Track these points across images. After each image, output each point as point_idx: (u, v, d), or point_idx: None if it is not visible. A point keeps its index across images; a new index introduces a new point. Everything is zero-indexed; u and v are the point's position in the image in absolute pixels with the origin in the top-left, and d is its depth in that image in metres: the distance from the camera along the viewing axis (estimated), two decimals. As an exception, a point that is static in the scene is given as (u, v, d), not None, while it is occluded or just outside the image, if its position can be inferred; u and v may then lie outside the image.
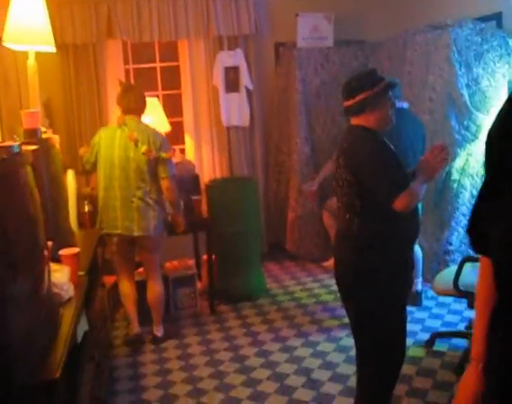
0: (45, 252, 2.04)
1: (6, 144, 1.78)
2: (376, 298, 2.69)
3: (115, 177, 3.96)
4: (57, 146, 2.99)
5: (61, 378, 1.68)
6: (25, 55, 3.07)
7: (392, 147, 2.72)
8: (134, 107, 4.03)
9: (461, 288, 3.48)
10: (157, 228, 4.03)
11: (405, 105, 4.30)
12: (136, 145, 3.91)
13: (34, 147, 2.13)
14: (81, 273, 2.62)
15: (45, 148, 2.64)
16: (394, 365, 2.84)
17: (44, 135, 2.89)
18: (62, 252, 2.51)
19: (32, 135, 2.72)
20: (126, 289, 4.23)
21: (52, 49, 3.10)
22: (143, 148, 3.91)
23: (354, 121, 2.80)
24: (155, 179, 4.01)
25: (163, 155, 3.96)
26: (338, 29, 6.08)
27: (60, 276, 2.31)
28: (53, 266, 2.29)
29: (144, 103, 4.12)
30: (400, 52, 5.43)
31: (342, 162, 2.71)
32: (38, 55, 3.06)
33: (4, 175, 1.70)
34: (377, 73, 2.81)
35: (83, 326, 2.43)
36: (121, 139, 3.96)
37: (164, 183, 4.02)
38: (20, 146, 1.80)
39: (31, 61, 2.98)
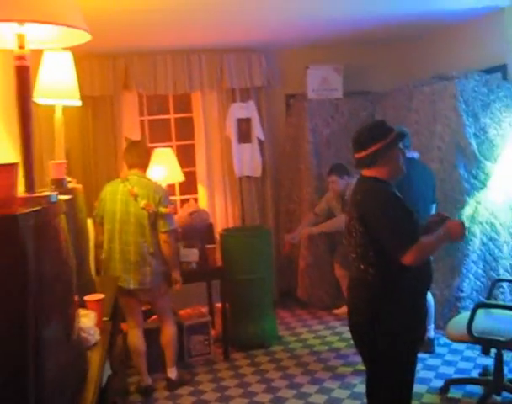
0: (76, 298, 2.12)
1: (44, 194, 1.88)
2: (390, 344, 2.75)
3: (117, 230, 4.09)
4: (82, 195, 3.10)
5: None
6: (45, 107, 3.22)
7: (402, 199, 2.81)
8: (137, 162, 4.17)
9: (475, 334, 3.52)
10: (153, 282, 4.11)
11: (415, 155, 4.42)
12: (136, 199, 4.04)
13: (68, 197, 2.24)
14: (105, 318, 2.70)
15: (72, 198, 2.75)
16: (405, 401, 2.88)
17: (69, 185, 3.00)
18: (88, 297, 2.59)
19: (59, 184, 2.84)
20: (134, 339, 4.26)
21: (78, 102, 3.25)
22: (142, 203, 4.03)
23: (366, 172, 2.88)
24: (155, 234, 4.10)
25: (162, 210, 4.05)
26: (347, 80, 6.27)
27: (87, 321, 2.38)
28: (80, 311, 2.37)
29: (148, 158, 4.29)
30: (406, 102, 5.58)
31: (355, 213, 2.79)
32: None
33: (43, 223, 1.79)
34: (386, 124, 2.91)
35: (107, 371, 2.50)
36: (123, 194, 4.10)
37: (162, 237, 4.09)
38: (57, 195, 1.91)
39: (58, 115, 3.12)
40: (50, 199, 1.87)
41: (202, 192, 6.16)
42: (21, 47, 1.86)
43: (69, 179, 3.06)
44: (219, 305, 5.12)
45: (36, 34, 1.97)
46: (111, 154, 5.77)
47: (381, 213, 2.71)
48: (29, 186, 1.92)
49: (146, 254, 4.07)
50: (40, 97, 2.99)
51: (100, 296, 2.62)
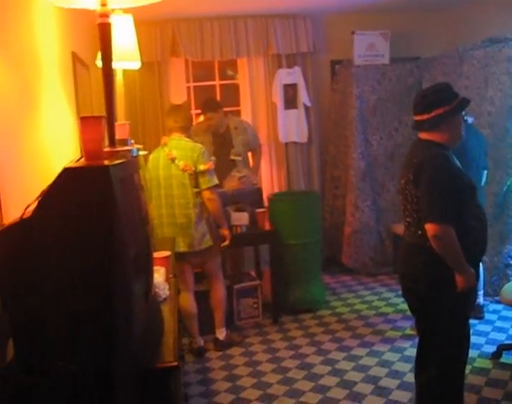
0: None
1: (127, 148, 1.93)
2: (448, 307, 2.76)
3: (162, 195, 4.16)
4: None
5: (178, 365, 1.80)
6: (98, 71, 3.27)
7: (460, 170, 2.77)
8: (178, 126, 4.20)
9: (532, 298, 3.51)
10: (202, 243, 4.17)
11: (470, 120, 4.36)
12: (174, 162, 4.09)
13: (145, 152, 2.28)
14: (170, 275, 2.77)
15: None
16: (459, 369, 2.90)
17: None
18: (156, 254, 2.66)
19: (124, 144, 2.88)
20: (186, 302, 4.34)
21: (138, 65, 3.29)
22: (181, 164, 4.07)
23: (424, 136, 2.85)
24: (198, 194, 4.14)
25: (201, 167, 4.08)
26: (394, 45, 6.18)
27: (157, 276, 2.45)
28: (151, 267, 2.44)
29: (187, 121, 4.27)
30: (456, 67, 5.49)
31: (411, 176, 2.77)
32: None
33: (127, 176, 1.84)
34: (452, 88, 2.87)
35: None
36: (164, 159, 4.15)
37: (205, 195, 4.13)
38: (138, 150, 1.95)
39: (119, 78, 3.17)
40: (133, 153, 1.91)
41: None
42: (103, 5, 1.89)
43: (132, 140, 3.11)
44: (268, 268, 5.17)
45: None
46: (158, 120, 5.81)
47: (432, 178, 2.68)
48: (112, 141, 1.96)
49: (191, 216, 4.12)
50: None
51: (168, 253, 2.69)
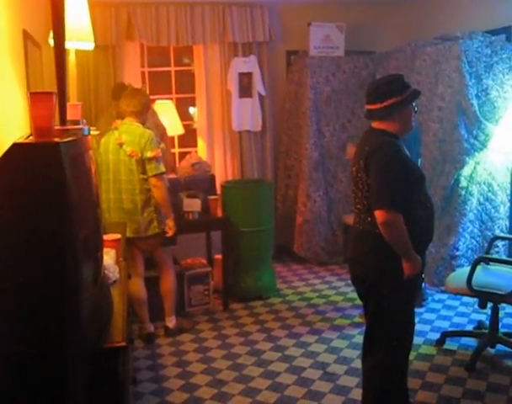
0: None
1: (78, 126, 1.90)
2: (395, 293, 2.84)
3: (111, 180, 4.12)
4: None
5: (127, 345, 1.79)
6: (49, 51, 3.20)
7: (408, 159, 2.84)
8: (128, 110, 4.13)
9: (475, 288, 3.63)
10: (149, 229, 4.15)
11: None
12: (121, 147, 4.05)
13: (96, 132, 2.25)
14: (120, 258, 2.75)
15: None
16: (404, 355, 2.99)
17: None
18: (107, 237, 2.63)
19: (75, 125, 2.84)
20: (136, 288, 4.30)
21: (91, 46, 3.23)
22: (128, 150, 4.04)
23: (377, 125, 2.91)
24: (145, 181, 4.09)
25: (148, 153, 4.03)
26: (349, 38, 6.26)
27: (107, 258, 2.43)
28: (101, 249, 2.42)
29: (141, 107, 4.16)
30: (408, 62, 5.59)
31: (362, 164, 2.83)
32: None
33: (78, 154, 1.81)
34: (404, 79, 2.94)
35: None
36: (114, 143, 4.11)
37: (151, 182, 4.07)
38: (89, 129, 1.93)
39: (72, 58, 3.11)
40: (84, 131, 1.89)
41: (202, 145, 6.17)
42: (55, -21, 1.85)
43: (84, 121, 3.06)
44: (218, 256, 5.19)
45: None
46: (111, 105, 5.71)
47: (382, 165, 2.74)
48: (62, 119, 1.93)
49: (137, 202, 4.09)
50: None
51: (118, 236, 2.67)
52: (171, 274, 4.41)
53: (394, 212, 2.65)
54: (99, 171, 4.12)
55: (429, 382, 3.57)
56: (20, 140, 1.68)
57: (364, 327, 3.08)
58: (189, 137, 6.32)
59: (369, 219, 2.82)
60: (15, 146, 1.58)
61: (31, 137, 1.76)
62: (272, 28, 6.20)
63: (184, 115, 6.23)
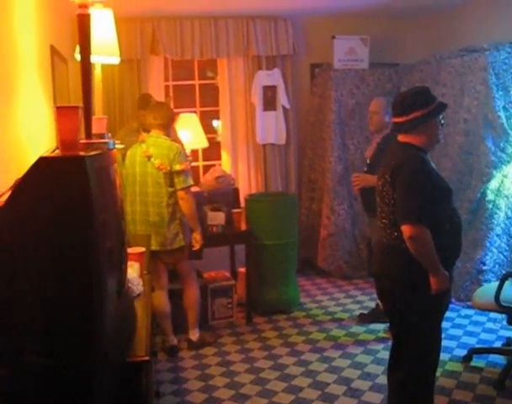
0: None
1: (103, 140, 1.91)
2: (422, 308, 2.79)
3: (137, 192, 4.14)
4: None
5: (150, 359, 1.78)
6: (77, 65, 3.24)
7: (436, 172, 2.81)
8: (156, 123, 4.16)
9: (503, 303, 3.55)
10: (174, 243, 4.15)
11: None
12: (150, 160, 4.07)
13: (122, 146, 2.26)
14: (144, 271, 2.75)
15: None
16: (431, 371, 2.93)
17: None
18: (131, 250, 2.63)
19: (100, 138, 2.86)
20: (159, 301, 4.31)
21: (117, 60, 3.26)
22: (156, 162, 4.06)
23: (403, 138, 2.88)
24: (172, 193, 4.11)
25: (176, 166, 4.06)
26: (374, 51, 6.23)
27: (131, 272, 2.43)
28: (125, 262, 2.42)
29: (167, 120, 4.20)
30: (433, 75, 5.55)
31: (389, 178, 2.80)
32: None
33: (103, 168, 1.82)
34: (430, 92, 2.91)
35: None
36: (141, 156, 4.13)
37: (179, 195, 4.10)
38: (114, 143, 1.93)
39: (98, 71, 3.13)
40: (109, 145, 1.90)
41: (226, 158, 6.18)
42: (82, -5, 1.87)
43: (109, 134, 3.08)
44: (241, 269, 5.17)
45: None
46: (132, 118, 5.76)
47: (409, 180, 2.71)
48: (88, 133, 1.94)
49: (164, 215, 4.10)
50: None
51: (142, 249, 2.67)
52: (194, 287, 4.41)
53: (421, 227, 2.62)
54: (125, 183, 4.15)
55: (457, 400, 3.49)
56: (46, 154, 1.69)
57: (389, 343, 3.04)
58: (212, 150, 6.34)
59: (395, 233, 2.78)
60: (41, 160, 1.59)
61: (57, 151, 1.77)
62: (296, 41, 6.21)
63: (208, 128, 6.25)
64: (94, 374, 1.61)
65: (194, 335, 4.44)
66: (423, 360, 2.86)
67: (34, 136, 2.67)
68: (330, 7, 5.91)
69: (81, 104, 1.95)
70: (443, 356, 3.86)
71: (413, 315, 2.80)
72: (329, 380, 3.85)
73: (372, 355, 4.20)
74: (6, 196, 1.58)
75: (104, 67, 3.44)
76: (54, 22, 3.67)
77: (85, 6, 1.86)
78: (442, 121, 2.91)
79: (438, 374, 3.47)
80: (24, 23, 2.60)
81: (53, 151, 1.76)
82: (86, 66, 1.91)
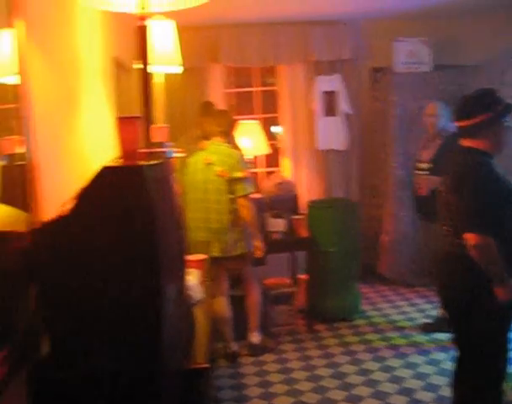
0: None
1: (162, 149, 1.94)
2: (487, 318, 2.70)
3: (198, 199, 4.17)
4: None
5: (209, 367, 1.80)
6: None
7: (502, 178, 2.70)
8: (218, 130, 4.21)
9: None
10: (235, 249, 4.16)
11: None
12: (211, 167, 4.11)
13: (181, 154, 2.30)
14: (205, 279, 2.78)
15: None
16: (498, 384, 2.82)
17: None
18: (191, 257, 2.67)
19: (160, 147, 2.92)
20: (220, 307, 4.34)
21: (179, 69, 3.33)
22: (217, 169, 4.09)
23: (467, 143, 2.79)
24: (233, 200, 4.13)
25: (237, 174, 4.09)
26: (436, 53, 6.09)
27: (191, 279, 2.46)
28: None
29: (229, 127, 4.30)
30: (499, 75, 5.38)
31: (452, 185, 2.72)
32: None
33: (162, 177, 1.85)
34: (496, 94, 2.81)
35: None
36: (202, 163, 4.18)
37: (240, 202, 4.12)
38: (173, 151, 1.96)
39: (161, 80, 3.20)
40: (168, 154, 1.93)
41: (286, 164, 6.18)
42: (143, 8, 1.91)
43: (170, 143, 3.14)
44: (302, 276, 5.15)
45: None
46: (194, 125, 5.84)
47: (475, 187, 2.63)
48: (147, 142, 1.98)
49: (225, 221, 4.12)
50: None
51: (203, 256, 2.70)
52: (257, 291, 4.44)
53: (485, 235, 2.54)
54: (186, 191, 4.21)
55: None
56: (109, 163, 1.74)
57: (453, 352, 2.95)
58: (272, 156, 6.34)
59: (457, 241, 2.71)
60: (104, 169, 1.64)
61: (119, 160, 1.81)
62: (355, 45, 6.14)
63: (267, 135, 6.25)
64: (157, 379, 1.64)
65: (256, 337, 4.46)
66: (489, 372, 2.77)
67: (99, 147, 2.74)
68: (390, 10, 5.81)
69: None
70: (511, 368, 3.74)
71: (477, 325, 2.72)
72: (391, 390, 3.78)
73: (436, 365, 4.10)
74: (69, 205, 1.62)
75: (168, 76, 3.51)
76: (117, 34, 3.77)
77: (145, 18, 1.90)
78: (510, 124, 2.81)
79: (506, 387, 3.34)
80: (89, 37, 2.69)
81: (115, 160, 1.80)
82: (145, 76, 1.94)
